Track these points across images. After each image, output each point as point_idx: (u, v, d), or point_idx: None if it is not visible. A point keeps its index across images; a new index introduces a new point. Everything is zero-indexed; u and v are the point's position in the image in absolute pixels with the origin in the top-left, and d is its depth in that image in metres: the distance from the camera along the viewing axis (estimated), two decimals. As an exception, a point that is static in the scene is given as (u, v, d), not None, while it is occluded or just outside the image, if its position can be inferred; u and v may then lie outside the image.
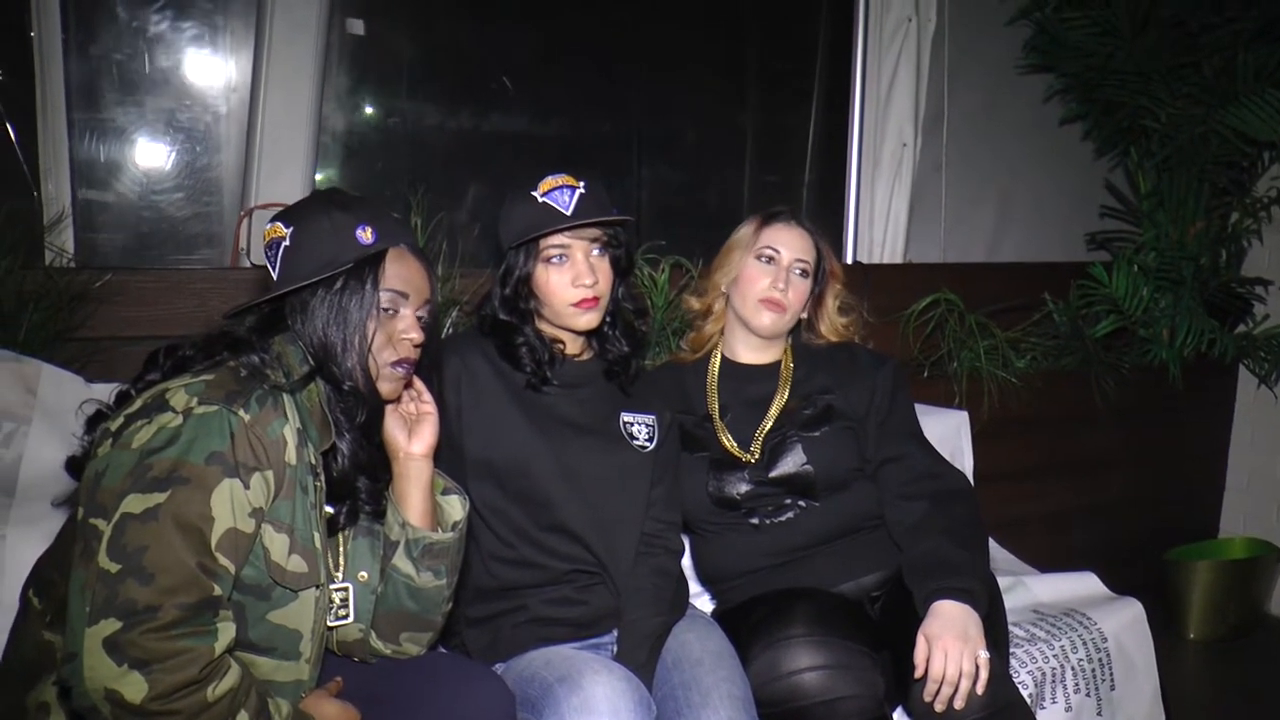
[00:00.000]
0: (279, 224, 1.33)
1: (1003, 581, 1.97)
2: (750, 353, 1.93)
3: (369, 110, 2.86)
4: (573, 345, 1.71)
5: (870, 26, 3.10)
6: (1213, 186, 3.33)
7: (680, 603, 1.72)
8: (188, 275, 2.25)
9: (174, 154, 2.58)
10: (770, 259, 1.85)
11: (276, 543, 1.23)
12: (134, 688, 1.07)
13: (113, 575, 1.09)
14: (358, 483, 1.38)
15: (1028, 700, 1.78)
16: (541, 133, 3.13)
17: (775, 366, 1.92)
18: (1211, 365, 3.36)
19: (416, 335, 1.35)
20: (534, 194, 1.59)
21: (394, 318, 1.34)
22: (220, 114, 2.60)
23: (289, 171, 2.47)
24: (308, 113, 2.48)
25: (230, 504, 1.15)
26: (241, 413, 1.17)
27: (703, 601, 2.00)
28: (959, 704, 1.52)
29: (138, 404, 1.20)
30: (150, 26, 2.52)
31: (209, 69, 2.58)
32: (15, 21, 2.28)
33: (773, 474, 1.80)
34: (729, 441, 1.85)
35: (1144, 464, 3.31)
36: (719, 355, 1.95)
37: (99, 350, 2.10)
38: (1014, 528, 2.77)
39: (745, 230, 1.90)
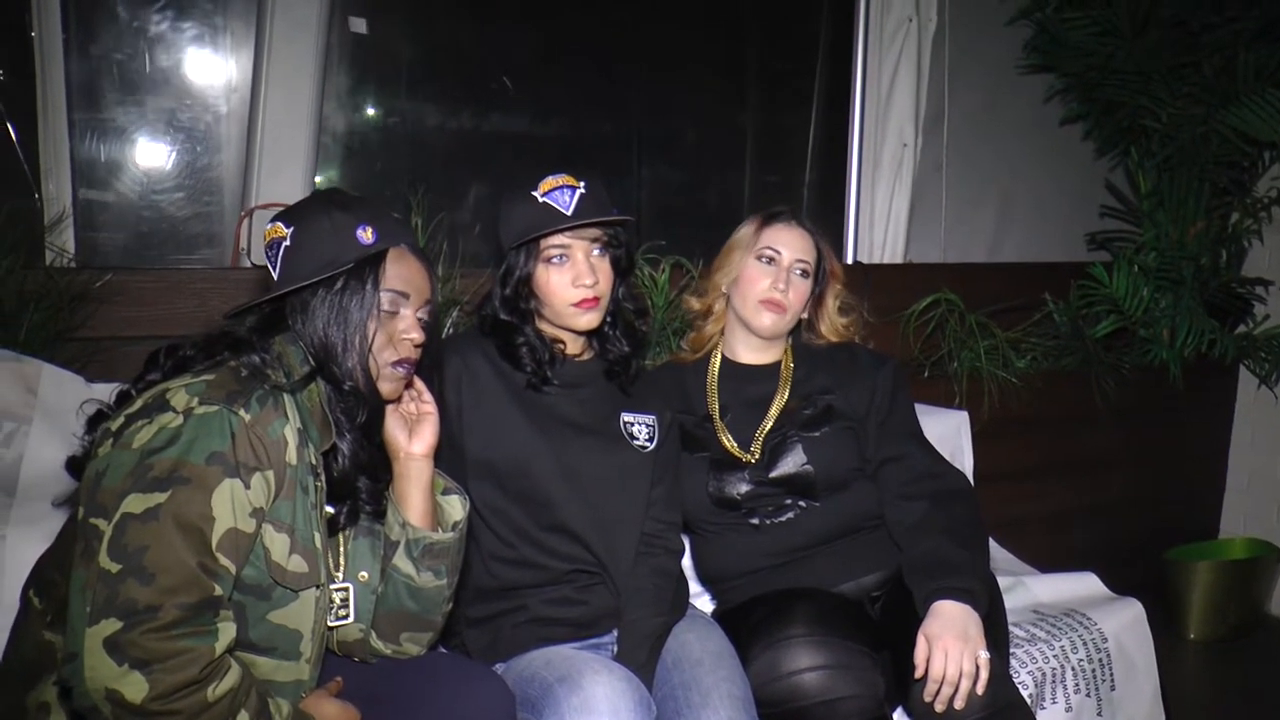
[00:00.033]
0: (279, 224, 1.33)
1: (1003, 581, 1.97)
2: (750, 353, 1.93)
3: (369, 110, 2.86)
4: (573, 345, 1.71)
5: (871, 26, 3.09)
6: (1213, 186, 3.33)
7: (680, 603, 1.72)
8: (188, 275, 2.25)
9: (174, 154, 2.58)
10: (771, 259, 1.85)
11: (277, 543, 1.23)
12: (134, 688, 1.07)
13: (113, 575, 1.09)
14: (358, 483, 1.38)
15: (1028, 700, 1.78)
16: (542, 133, 3.13)
17: (775, 367, 1.92)
18: (1212, 365, 3.36)
19: (417, 335, 1.35)
20: (534, 194, 1.59)
21: (394, 318, 1.34)
22: (221, 114, 2.60)
23: (289, 171, 2.48)
24: (308, 112, 2.48)
25: (231, 504, 1.15)
26: (242, 413, 1.17)
27: (703, 602, 2.00)
28: (959, 704, 1.52)
29: (138, 404, 1.20)
30: (151, 26, 2.52)
31: (209, 69, 2.58)
32: (16, 21, 2.28)
33: (773, 474, 1.80)
34: (729, 442, 1.85)
35: (1144, 464, 3.31)
36: (719, 355, 1.95)
37: (99, 350, 2.10)
38: (1014, 528, 2.76)
39: (745, 230, 1.90)
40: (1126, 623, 2.15)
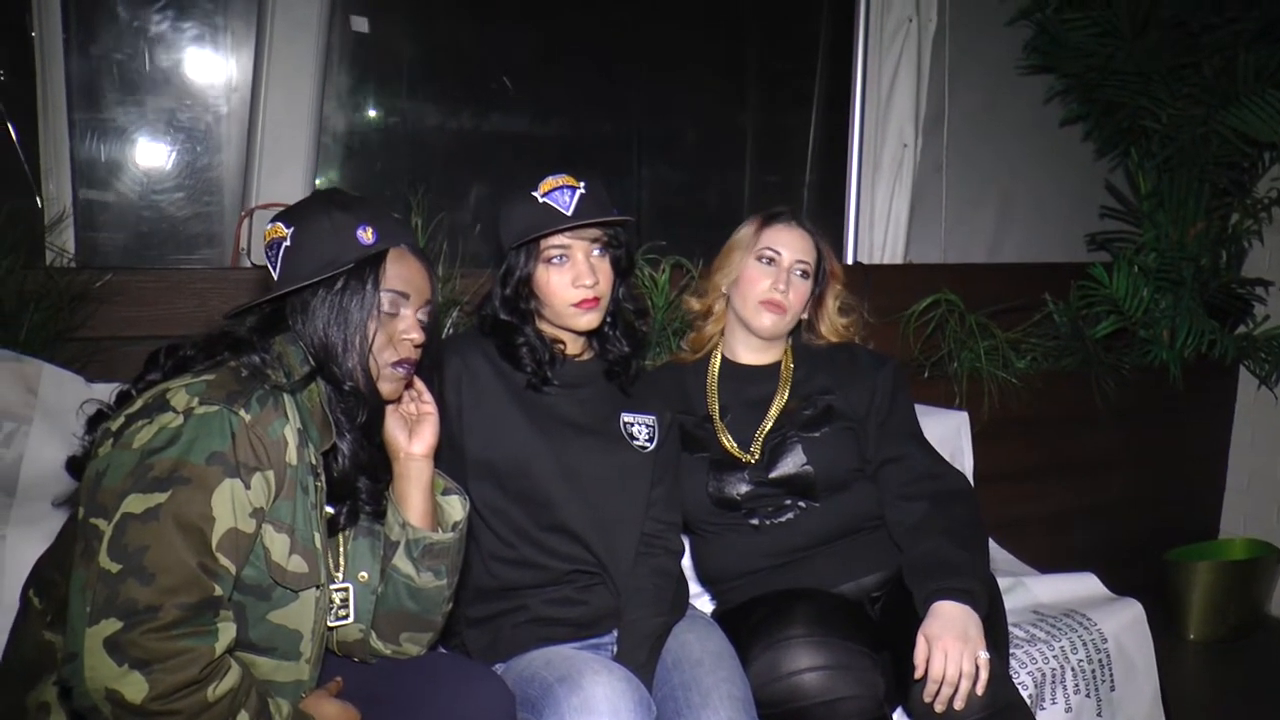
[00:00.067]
0: (279, 224, 1.33)
1: (1003, 582, 1.97)
2: (750, 353, 1.93)
3: (370, 110, 2.86)
4: (573, 345, 1.71)
5: (871, 27, 3.09)
6: (1213, 187, 3.33)
7: (680, 603, 1.72)
8: (188, 275, 2.25)
9: (175, 154, 2.58)
10: (771, 260, 1.85)
11: (277, 543, 1.24)
12: (135, 688, 1.07)
13: (113, 575, 1.09)
14: (358, 483, 1.38)
15: (1028, 701, 1.78)
16: (542, 133, 3.13)
17: (775, 367, 1.92)
18: (1212, 366, 3.36)
19: (417, 335, 1.35)
20: (534, 194, 1.59)
21: (395, 318, 1.34)
22: (221, 114, 2.60)
23: (289, 171, 2.48)
24: (308, 112, 2.48)
25: (231, 504, 1.15)
26: (242, 413, 1.17)
27: (703, 602, 2.00)
28: (959, 704, 1.52)
29: (138, 404, 1.20)
30: (151, 26, 2.52)
31: (210, 69, 2.58)
32: (16, 21, 2.28)
33: (773, 474, 1.80)
34: (729, 442, 1.85)
35: (1144, 465, 3.31)
36: (719, 356, 1.95)
37: (100, 350, 2.10)
38: (1014, 528, 2.77)
39: (746, 231, 1.90)
40: (1126, 623, 2.15)
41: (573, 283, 1.60)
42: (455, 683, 1.42)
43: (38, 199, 2.28)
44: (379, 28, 2.79)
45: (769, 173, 3.52)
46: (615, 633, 1.64)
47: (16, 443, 1.88)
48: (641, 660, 1.58)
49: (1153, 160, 3.30)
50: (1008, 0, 3.28)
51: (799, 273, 1.86)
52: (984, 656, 1.53)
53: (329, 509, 1.36)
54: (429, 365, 1.48)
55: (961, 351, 2.87)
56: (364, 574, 1.43)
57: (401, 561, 1.42)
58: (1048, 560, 2.59)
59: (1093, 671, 2.04)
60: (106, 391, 1.32)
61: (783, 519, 1.80)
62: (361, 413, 1.33)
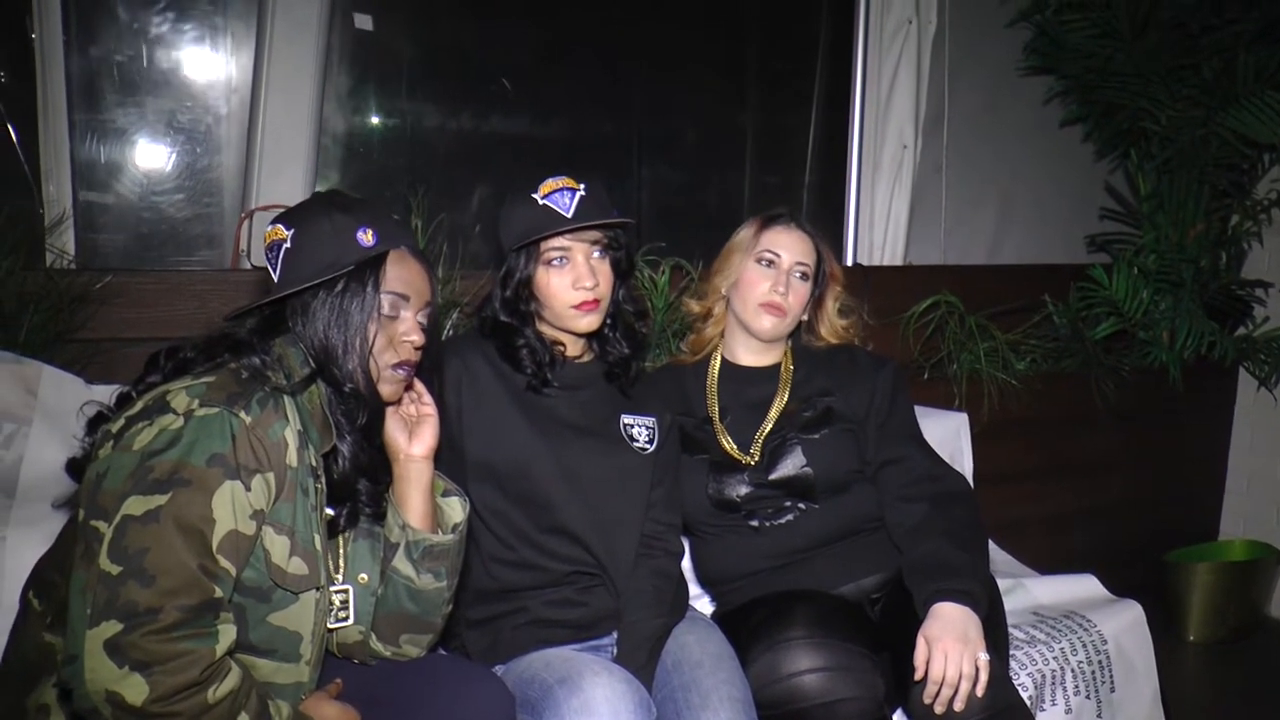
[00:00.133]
0: (280, 226, 1.33)
1: (1002, 583, 1.97)
2: (750, 355, 1.93)
3: (370, 111, 2.86)
4: (573, 347, 1.71)
5: (871, 28, 3.10)
6: (1213, 189, 3.33)
7: (680, 605, 1.72)
8: (188, 277, 2.25)
9: (175, 155, 2.58)
10: (770, 262, 1.85)
11: (277, 545, 1.24)
12: (135, 690, 1.07)
13: (114, 577, 1.09)
14: (358, 485, 1.38)
15: (1027, 702, 1.78)
16: (542, 133, 3.13)
17: (775, 369, 1.92)
18: (1211, 367, 3.36)
19: (417, 337, 1.36)
20: (534, 196, 1.59)
21: (395, 320, 1.34)
22: (221, 115, 2.61)
23: (290, 173, 2.48)
24: (308, 114, 2.48)
25: (231, 506, 1.15)
26: (243, 415, 1.18)
27: (703, 604, 2.00)
28: (959, 706, 1.52)
29: (139, 406, 1.20)
30: (151, 27, 2.52)
31: (210, 70, 2.58)
32: (16, 23, 2.28)
33: (772, 476, 1.80)
34: (729, 444, 1.85)
35: (1144, 466, 3.31)
36: (719, 357, 1.95)
37: (99, 352, 2.10)
38: (1014, 529, 2.77)
39: (745, 233, 1.90)
40: (1126, 624, 2.15)
41: (573, 285, 1.61)
42: (455, 684, 1.42)
43: (38, 200, 2.28)
44: (379, 28, 2.79)
45: (769, 173, 3.52)
46: (615, 634, 1.64)
47: (16, 444, 1.88)
48: (641, 662, 1.58)
49: (1152, 162, 3.30)
50: (1008, 2, 3.28)
51: (799, 275, 1.86)
52: (984, 658, 1.54)
53: (329, 511, 1.36)
54: (429, 367, 1.48)
55: (961, 353, 2.87)
56: (364, 576, 1.43)
57: (401, 563, 1.42)
58: (1047, 561, 2.59)
59: (1092, 673, 2.04)
60: (106, 393, 1.32)
61: (782, 520, 1.80)
62: (362, 414, 1.33)
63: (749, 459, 1.83)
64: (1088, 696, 2.03)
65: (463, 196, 3.00)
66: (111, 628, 1.07)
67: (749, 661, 1.60)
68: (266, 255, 1.33)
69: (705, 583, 1.97)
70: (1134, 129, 3.31)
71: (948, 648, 1.53)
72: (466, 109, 2.98)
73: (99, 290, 2.10)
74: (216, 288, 2.22)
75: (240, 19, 2.56)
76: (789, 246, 1.86)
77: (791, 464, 1.80)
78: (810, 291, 1.90)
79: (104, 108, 2.49)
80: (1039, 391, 2.95)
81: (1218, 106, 3.12)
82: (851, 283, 2.03)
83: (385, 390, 1.35)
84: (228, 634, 1.15)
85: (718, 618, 1.83)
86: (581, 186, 1.60)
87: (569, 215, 1.58)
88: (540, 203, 1.59)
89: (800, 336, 1.96)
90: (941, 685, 1.52)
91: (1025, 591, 2.27)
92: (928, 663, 1.54)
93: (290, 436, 1.23)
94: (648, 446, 1.71)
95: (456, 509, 1.48)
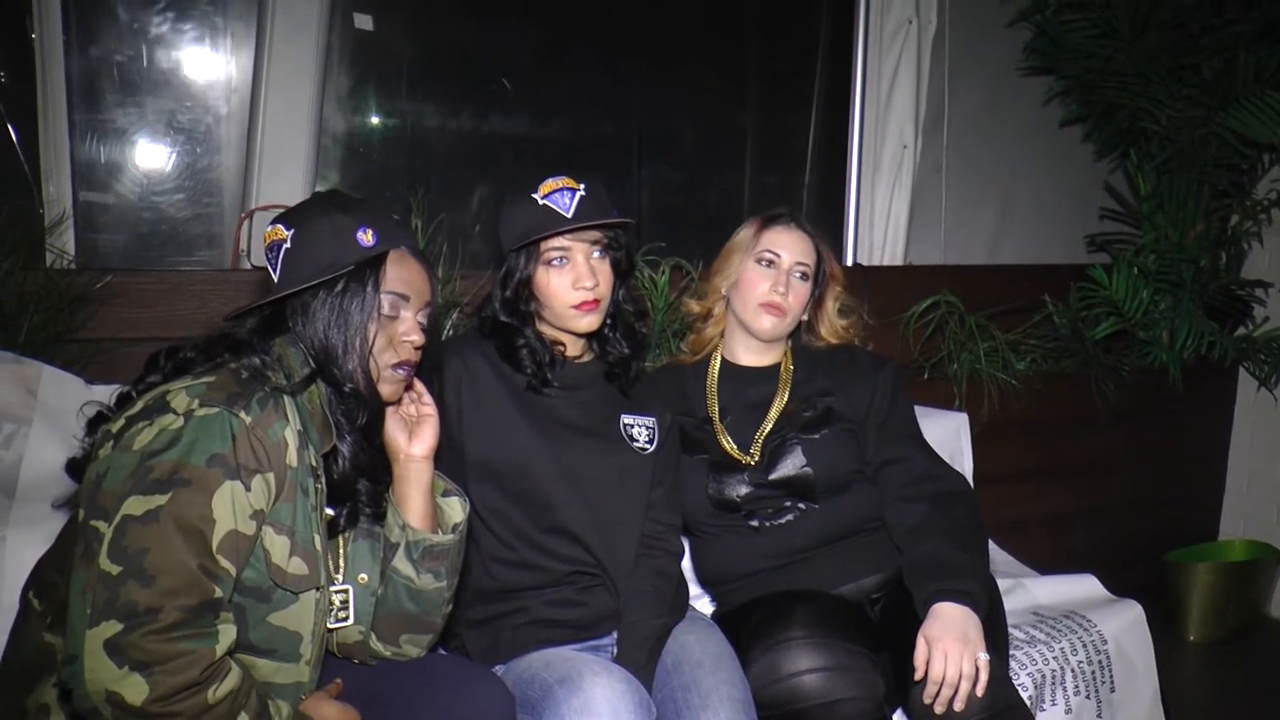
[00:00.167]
0: (280, 226, 1.33)
1: (1002, 583, 1.97)
2: (750, 355, 1.93)
3: (370, 111, 2.86)
4: (573, 347, 1.71)
5: (871, 28, 3.10)
6: (1212, 189, 3.33)
7: (680, 605, 1.72)
8: (188, 277, 2.25)
9: (175, 155, 2.59)
10: (770, 263, 1.85)
11: (277, 545, 1.24)
12: (135, 690, 1.07)
13: (114, 577, 1.09)
14: (358, 485, 1.38)
15: (1027, 702, 1.78)
16: (542, 133, 3.13)
17: (775, 369, 1.92)
18: (1211, 367, 3.36)
19: (417, 337, 1.36)
20: (534, 196, 1.59)
21: (395, 320, 1.34)
22: (221, 115, 2.61)
23: (289, 173, 2.48)
24: (308, 114, 2.48)
25: (231, 506, 1.15)
26: (243, 415, 1.18)
27: (703, 604, 2.00)
28: (959, 706, 1.52)
29: (139, 406, 1.20)
30: (151, 27, 2.52)
31: (210, 70, 2.58)
32: (16, 23, 2.28)
33: (772, 476, 1.80)
34: (729, 444, 1.85)
35: (1144, 466, 3.31)
36: (719, 357, 1.95)
37: (99, 352, 2.10)
38: (1014, 529, 2.77)
39: (745, 233, 1.90)
40: (1126, 625, 2.15)
41: (573, 285, 1.61)
42: (455, 684, 1.42)
43: (38, 200, 2.28)
44: (379, 28, 2.79)
45: (769, 173, 3.52)
46: (615, 634, 1.64)
47: (16, 444, 1.88)
48: (641, 662, 1.58)
49: (1152, 162, 3.30)
50: (1008, 2, 3.28)
51: (798, 275, 1.86)
52: (984, 658, 1.54)
53: (329, 511, 1.36)
54: (429, 367, 1.48)
55: (961, 353, 2.87)
56: (364, 576, 1.43)
57: (401, 563, 1.42)
58: (1047, 561, 2.59)
59: (1092, 673, 2.05)
60: (106, 393, 1.32)
61: (782, 520, 1.80)
62: (362, 414, 1.33)
63: (749, 459, 1.83)
64: (1088, 696, 2.03)
65: (463, 196, 3.00)
66: (111, 628, 1.07)
67: (749, 661, 1.60)
68: (266, 255, 1.33)
69: (705, 583, 1.97)
70: (1134, 129, 3.31)
71: (948, 648, 1.53)
72: (466, 109, 2.98)
73: (99, 290, 2.10)
74: (216, 288, 2.22)
75: (240, 19, 2.56)
76: (789, 246, 1.86)
77: (791, 464, 1.80)
78: (810, 291, 1.90)
79: (104, 108, 2.49)
80: (1039, 391, 2.95)
81: (1218, 106, 3.12)
82: (851, 283, 2.03)
83: (385, 390, 1.35)
84: (228, 634, 1.15)
85: (718, 618, 1.83)
86: (581, 186, 1.60)
87: (569, 215, 1.58)
88: (540, 203, 1.59)
89: (800, 336, 1.96)
90: (941, 685, 1.52)
91: (1025, 591, 2.27)
92: (928, 663, 1.54)
93: (290, 436, 1.23)
94: (648, 446, 1.72)
95: (456, 509, 1.48)
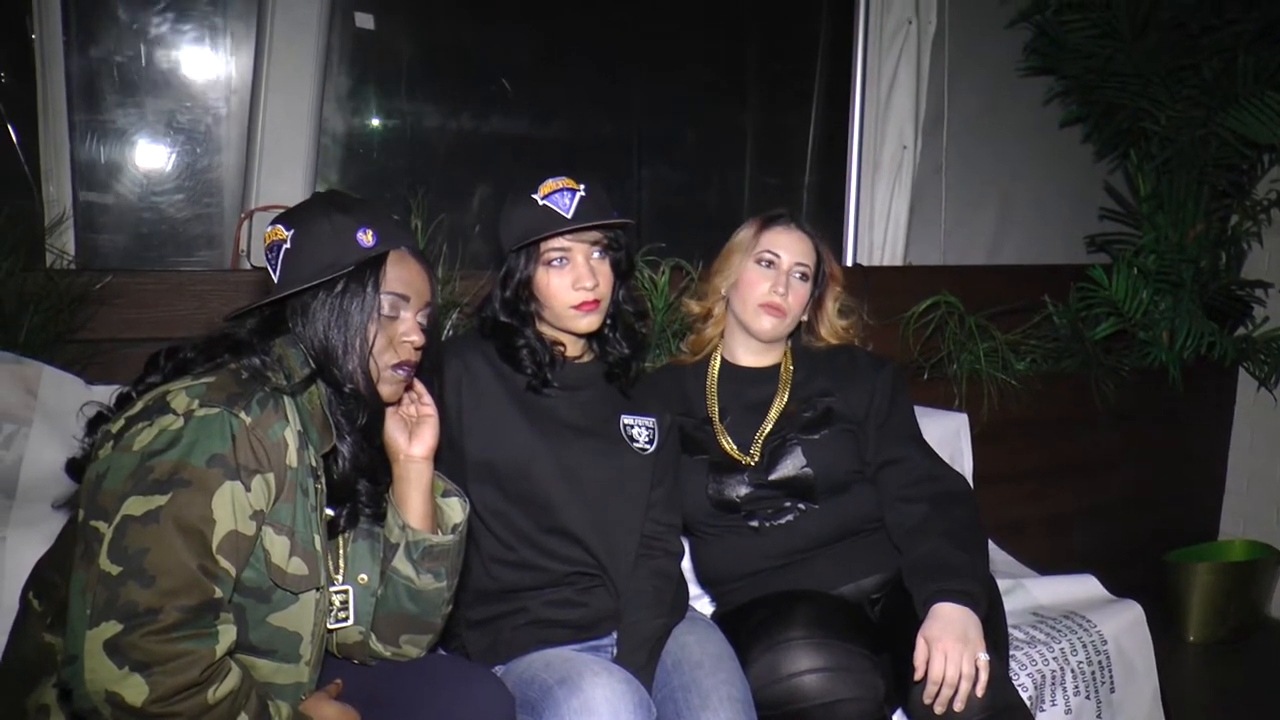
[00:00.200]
0: (280, 226, 1.33)
1: (1002, 584, 1.97)
2: (750, 356, 1.93)
3: (370, 111, 2.86)
4: (573, 347, 1.71)
5: (870, 28, 3.09)
6: (1212, 189, 3.33)
7: (680, 605, 1.72)
8: (188, 277, 2.25)
9: (174, 156, 2.59)
10: (770, 263, 1.85)
11: (277, 545, 1.24)
12: (135, 690, 1.07)
13: (114, 577, 1.09)
14: (358, 485, 1.38)
15: (1027, 703, 1.78)
16: (542, 134, 3.13)
17: (775, 369, 1.92)
18: (1211, 368, 3.36)
19: (417, 338, 1.36)
20: (534, 197, 1.59)
21: (395, 320, 1.34)
22: (221, 115, 2.61)
23: (289, 173, 2.48)
24: (308, 114, 2.48)
25: (231, 506, 1.16)
26: (243, 415, 1.18)
27: (702, 604, 2.00)
28: (959, 706, 1.52)
29: (139, 406, 1.20)
30: (151, 28, 2.52)
31: (209, 70, 2.58)
32: (16, 23, 2.28)
33: (772, 477, 1.80)
34: (729, 444, 1.85)
35: (1144, 466, 3.31)
36: (719, 358, 1.95)
37: (99, 352, 2.10)
38: (1013, 530, 2.77)
39: (745, 234, 1.90)
40: (1126, 625, 2.15)
41: (573, 285, 1.61)
42: (455, 685, 1.42)
43: (38, 200, 2.28)
44: (379, 28, 2.79)
45: (769, 174, 3.52)
46: (615, 635, 1.64)
47: (16, 445, 1.88)
48: (641, 662, 1.58)
49: (1152, 162, 3.30)
50: (1007, 2, 3.28)
51: (798, 275, 1.86)
52: (984, 658, 1.54)
53: (329, 511, 1.36)
54: (429, 367, 1.48)
55: (961, 353, 2.87)
56: (364, 576, 1.43)
57: (401, 564, 1.42)
58: (1047, 562, 2.59)
59: (1092, 673, 2.05)
60: (106, 393, 1.32)
61: (782, 521, 1.80)
62: (361, 415, 1.33)
63: (749, 459, 1.83)
64: (1088, 697, 2.03)
65: (463, 197, 3.00)
66: (111, 628, 1.07)
67: (749, 662, 1.60)
68: (266, 256, 1.33)
69: (705, 583, 1.97)
70: (1134, 129, 3.31)
71: (947, 648, 1.53)
72: (466, 109, 2.98)
73: (99, 291, 2.10)
74: (216, 288, 2.22)
75: (240, 19, 2.56)
76: (789, 247, 1.86)
77: (791, 464, 1.80)
78: (810, 292, 1.90)
79: (104, 108, 2.49)
80: (1039, 392, 2.95)
81: (1217, 107, 3.12)
82: (851, 283, 2.03)
83: (385, 391, 1.35)
84: (228, 634, 1.15)
85: (718, 618, 1.83)
86: (581, 187, 1.60)
87: (569, 216, 1.58)
88: (540, 203, 1.59)
89: (800, 337, 1.96)
90: (941, 685, 1.52)
91: (1025, 592, 2.26)
92: (927, 663, 1.54)
93: (290, 437, 1.23)
94: (648, 447, 1.72)
95: (456, 509, 1.48)
